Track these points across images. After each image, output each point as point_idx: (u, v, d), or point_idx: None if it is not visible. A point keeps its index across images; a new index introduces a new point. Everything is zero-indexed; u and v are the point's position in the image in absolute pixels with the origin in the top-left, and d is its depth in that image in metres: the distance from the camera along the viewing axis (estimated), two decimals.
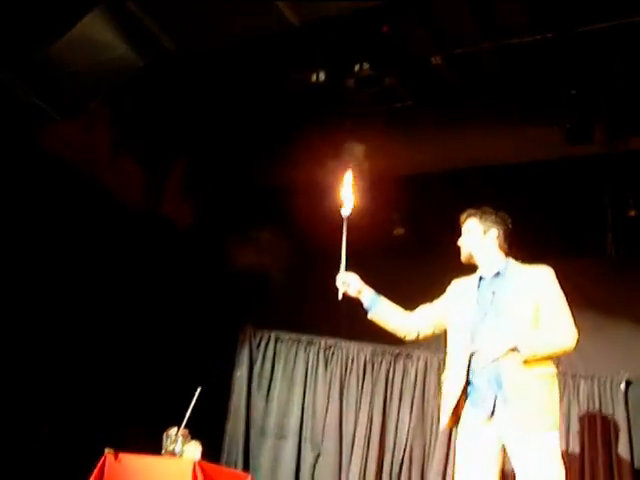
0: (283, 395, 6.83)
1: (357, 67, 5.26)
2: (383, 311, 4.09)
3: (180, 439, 4.86)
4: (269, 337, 6.98)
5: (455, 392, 3.74)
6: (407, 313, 4.09)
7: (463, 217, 4.00)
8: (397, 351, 6.83)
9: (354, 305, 6.81)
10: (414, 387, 6.71)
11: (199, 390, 5.06)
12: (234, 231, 6.74)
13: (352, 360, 6.83)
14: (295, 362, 6.91)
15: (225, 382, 6.84)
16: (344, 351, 6.87)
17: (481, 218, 3.94)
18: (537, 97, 5.38)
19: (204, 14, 4.98)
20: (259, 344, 6.98)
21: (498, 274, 3.83)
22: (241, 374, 6.87)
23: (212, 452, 5.47)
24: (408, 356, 6.82)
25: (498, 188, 5.24)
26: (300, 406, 6.76)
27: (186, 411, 4.99)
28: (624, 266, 5.89)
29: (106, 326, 5.73)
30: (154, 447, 4.88)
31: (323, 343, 6.90)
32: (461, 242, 3.97)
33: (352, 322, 6.93)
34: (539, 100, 5.38)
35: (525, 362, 3.54)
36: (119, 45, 4.84)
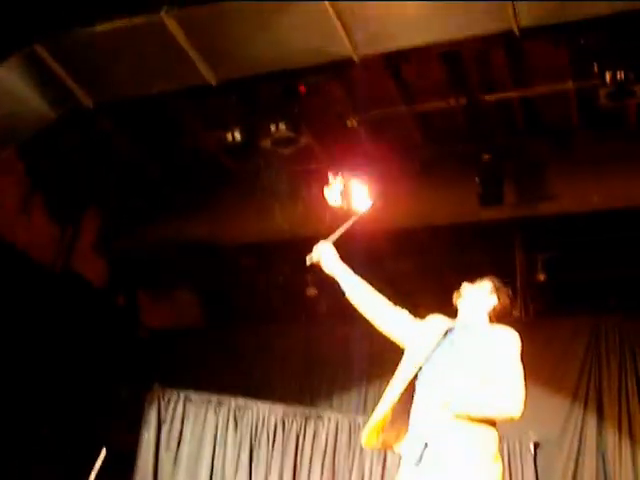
0: (192, 457, 6.64)
1: (273, 127, 5.26)
2: (361, 293, 3.92)
3: None
4: (178, 397, 6.80)
5: (379, 414, 3.70)
6: (385, 300, 3.91)
7: (487, 277, 3.99)
8: (308, 412, 6.78)
9: (265, 364, 6.86)
10: (325, 448, 6.64)
11: (104, 451, 4.91)
12: (146, 290, 6.64)
13: (263, 421, 6.72)
14: (205, 423, 6.75)
15: (133, 443, 6.62)
16: (254, 412, 6.75)
17: (496, 286, 3.90)
18: (452, 161, 5.49)
19: (121, 70, 4.94)
20: (168, 404, 6.78)
21: (466, 327, 3.80)
22: (149, 436, 6.66)
23: None
24: (319, 417, 6.76)
25: (415, 247, 5.29)
26: (209, 469, 6.59)
27: (91, 473, 4.84)
28: (533, 329, 5.99)
29: (16, 383, 5.52)
30: None
31: (233, 404, 6.77)
32: (465, 284, 3.90)
33: (263, 382, 6.92)
34: (454, 164, 5.50)
35: (457, 417, 3.50)
36: (33, 97, 4.75)
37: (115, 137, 5.58)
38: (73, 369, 6.09)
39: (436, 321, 3.89)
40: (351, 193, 4.08)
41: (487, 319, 3.85)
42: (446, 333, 3.81)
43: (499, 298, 3.85)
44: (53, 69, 4.83)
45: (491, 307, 3.85)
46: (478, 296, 3.87)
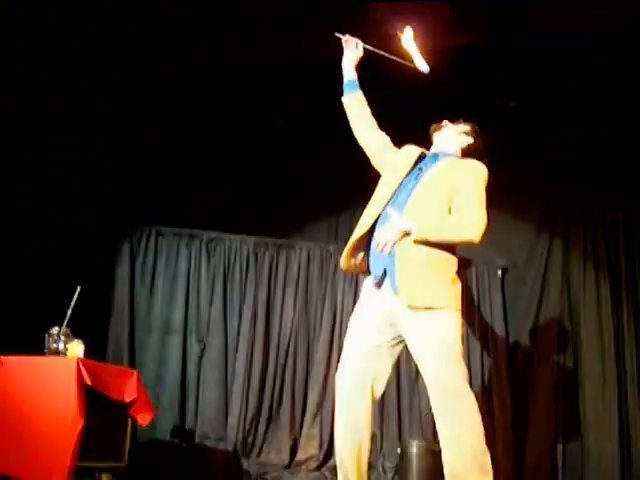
0: (167, 290, 6.73)
1: None
2: (356, 104, 4.13)
3: (62, 338, 4.78)
4: (150, 232, 6.81)
5: (354, 237, 3.78)
6: (372, 120, 4.12)
7: (471, 123, 4.02)
8: (280, 242, 6.86)
9: (236, 197, 6.85)
10: (297, 278, 6.79)
11: (79, 289, 4.95)
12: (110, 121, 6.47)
13: (235, 253, 6.80)
14: (177, 256, 6.80)
15: (107, 279, 6.67)
16: (227, 244, 6.82)
17: (475, 129, 3.99)
18: None
19: None
20: (140, 239, 6.80)
21: (436, 156, 3.89)
22: (122, 271, 6.71)
23: (97, 350, 5.38)
24: (291, 247, 6.87)
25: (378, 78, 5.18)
26: (184, 300, 6.70)
27: (67, 310, 4.89)
28: (501, 158, 5.98)
29: None
30: (36, 347, 4.78)
31: (205, 236, 6.82)
32: (446, 121, 4.00)
33: (235, 214, 6.93)
34: None
35: (415, 242, 3.58)
36: None
37: None
38: (45, 207, 6.02)
39: (410, 149, 3.98)
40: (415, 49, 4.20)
41: (459, 153, 3.92)
42: (418, 160, 3.90)
43: (475, 140, 3.96)
44: None
45: (465, 144, 3.96)
46: (456, 132, 3.97)
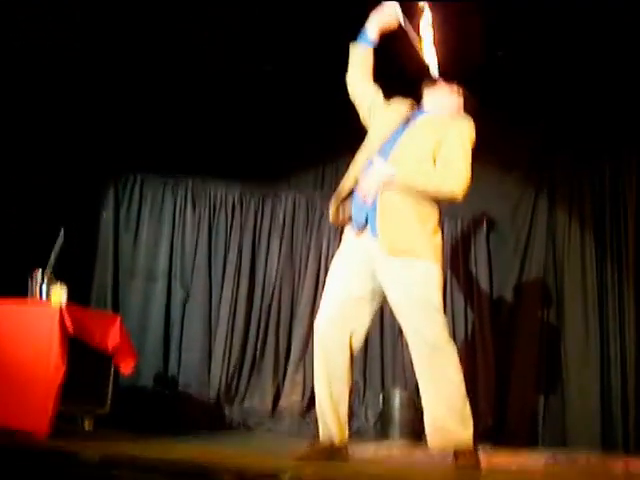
0: (151, 237, 6.72)
1: None
2: (363, 56, 4.07)
3: (45, 281, 4.75)
4: (135, 179, 6.77)
5: (342, 188, 3.79)
6: (368, 75, 4.07)
7: (463, 86, 4.01)
8: (265, 191, 6.84)
9: (222, 145, 6.78)
10: (282, 227, 6.79)
11: (62, 232, 4.91)
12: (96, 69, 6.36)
13: (220, 200, 6.78)
14: (162, 204, 6.77)
15: (91, 225, 6.63)
16: (212, 191, 6.79)
17: (466, 93, 3.98)
18: None
19: None
20: (125, 186, 6.76)
21: (425, 110, 3.91)
22: (107, 216, 6.67)
23: (80, 296, 5.36)
24: (276, 196, 6.86)
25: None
26: (169, 247, 6.69)
27: (51, 253, 4.86)
28: (490, 109, 5.93)
29: None
30: (19, 290, 4.75)
31: (191, 184, 6.78)
32: (443, 83, 3.98)
33: (221, 161, 6.85)
34: None
35: (400, 192, 3.58)
36: None
37: None
38: (31, 150, 5.95)
39: (400, 102, 3.99)
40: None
41: (447, 110, 3.92)
42: (407, 114, 3.91)
43: (465, 102, 3.96)
44: None
45: (454, 104, 3.96)
46: (447, 91, 3.97)
